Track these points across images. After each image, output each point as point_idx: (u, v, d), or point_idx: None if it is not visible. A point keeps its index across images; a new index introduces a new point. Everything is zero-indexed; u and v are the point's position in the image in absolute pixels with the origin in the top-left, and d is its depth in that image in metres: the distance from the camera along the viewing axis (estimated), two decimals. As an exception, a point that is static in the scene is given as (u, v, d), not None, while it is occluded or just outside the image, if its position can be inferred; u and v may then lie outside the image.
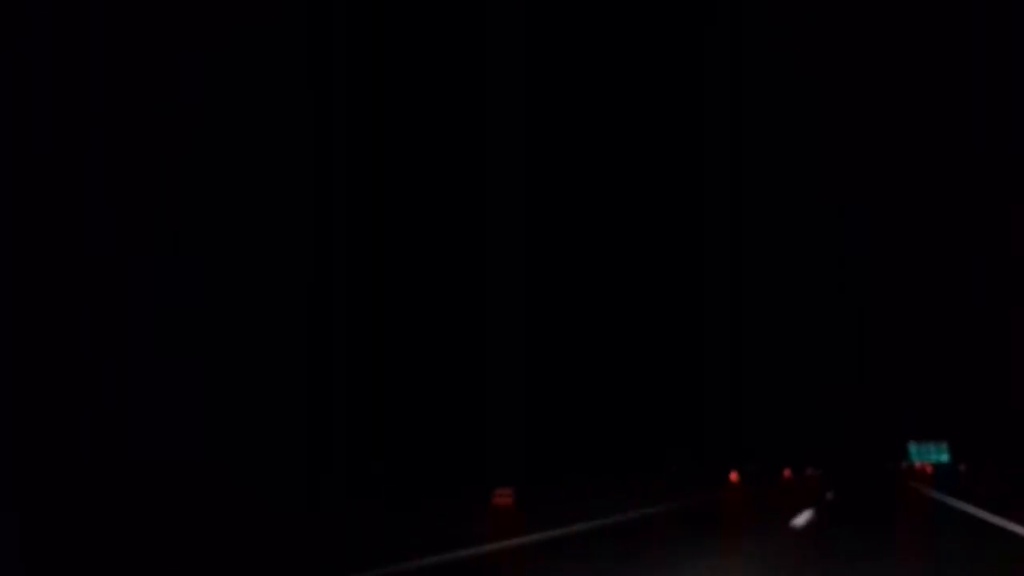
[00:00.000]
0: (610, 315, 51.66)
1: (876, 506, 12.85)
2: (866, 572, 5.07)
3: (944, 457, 77.41)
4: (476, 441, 41.90)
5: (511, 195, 47.59)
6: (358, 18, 45.86)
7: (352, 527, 9.38)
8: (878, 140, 60.63)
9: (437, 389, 42.78)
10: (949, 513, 11.05)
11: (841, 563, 5.48)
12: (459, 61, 48.60)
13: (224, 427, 35.15)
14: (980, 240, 54.05)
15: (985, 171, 52.49)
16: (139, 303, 36.30)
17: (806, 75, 56.45)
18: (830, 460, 52.05)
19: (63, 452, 29.67)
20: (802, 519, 10.48)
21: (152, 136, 37.55)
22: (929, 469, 53.36)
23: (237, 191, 41.06)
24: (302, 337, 41.64)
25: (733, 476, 27.56)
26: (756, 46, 55.47)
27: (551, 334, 47.58)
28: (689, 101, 56.69)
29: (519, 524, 10.07)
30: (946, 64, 55.14)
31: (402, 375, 42.76)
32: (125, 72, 36.69)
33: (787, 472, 40.72)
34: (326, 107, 45.03)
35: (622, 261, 53.53)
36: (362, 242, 44.54)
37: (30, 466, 25.11)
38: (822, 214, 60.19)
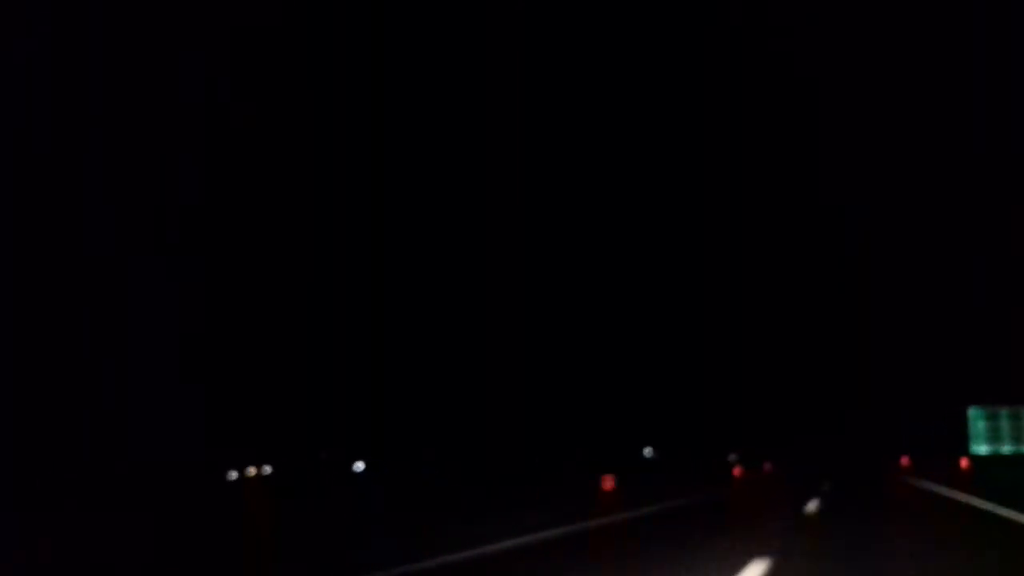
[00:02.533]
0: (608, 314, 51.77)
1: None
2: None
3: None
4: (476, 429, 42.01)
5: (511, 195, 47.66)
6: (358, 18, 45.91)
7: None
8: (878, 140, 60.77)
9: (431, 382, 42.85)
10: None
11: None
12: (459, 61, 48.66)
13: (224, 427, 35.18)
14: (980, 240, 54.08)
15: (985, 171, 52.58)
16: (139, 303, 36.32)
17: (806, 75, 56.50)
18: (811, 457, 50.16)
19: (63, 452, 29.69)
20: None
21: (152, 136, 37.57)
22: None
23: (237, 191, 41.09)
24: (303, 336, 41.67)
25: (736, 471, 25.94)
26: (756, 46, 55.54)
27: (553, 335, 47.73)
28: (689, 101, 56.79)
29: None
30: (946, 64, 55.22)
31: (403, 371, 42.85)
32: (125, 72, 36.72)
33: (767, 466, 36.12)
34: (326, 107, 45.07)
35: (621, 262, 53.61)
36: (362, 241, 44.57)
37: (30, 466, 25.13)
38: (822, 214, 60.24)
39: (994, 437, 36.85)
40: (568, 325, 49.28)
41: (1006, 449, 36.29)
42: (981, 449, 36.48)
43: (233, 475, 28.28)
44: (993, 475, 22.13)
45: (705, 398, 55.28)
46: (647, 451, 49.89)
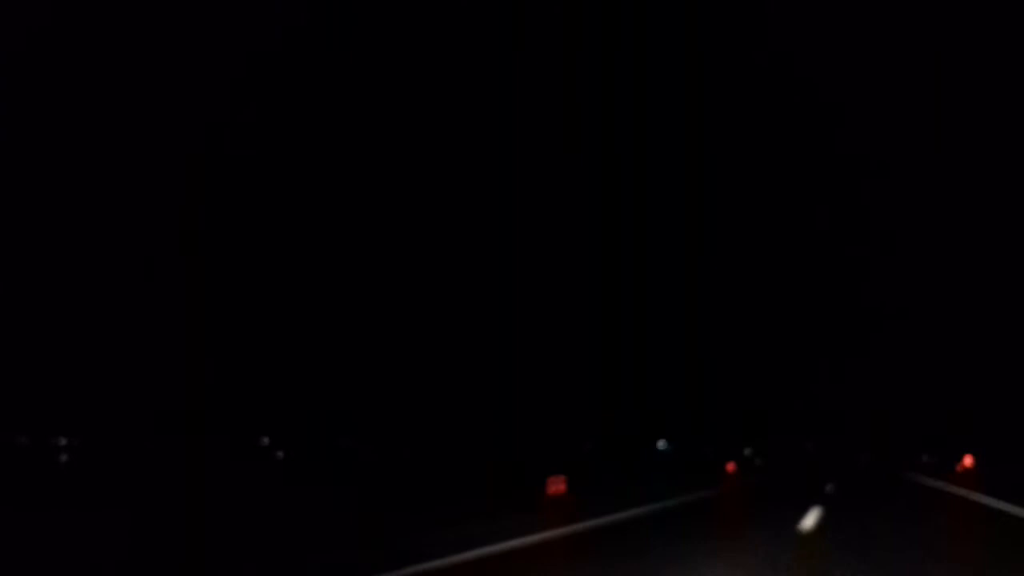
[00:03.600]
0: (607, 315, 51.79)
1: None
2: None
3: None
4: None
5: (510, 193, 47.72)
6: (360, 20, 45.94)
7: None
8: (878, 140, 60.89)
9: (430, 384, 42.85)
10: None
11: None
12: (459, 61, 48.68)
13: (223, 425, 35.23)
14: (980, 240, 54.11)
15: (986, 170, 52.64)
16: (139, 303, 36.37)
17: (806, 75, 56.61)
18: (813, 457, 48.89)
19: (64, 451, 29.75)
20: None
21: (153, 137, 37.63)
22: None
23: (237, 192, 41.14)
24: (303, 337, 41.72)
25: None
26: (756, 46, 55.62)
27: (553, 336, 47.71)
28: (689, 101, 56.89)
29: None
30: (946, 64, 55.34)
31: (403, 370, 42.83)
32: (125, 72, 36.78)
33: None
34: (326, 107, 45.12)
35: (620, 261, 53.67)
36: (361, 240, 44.60)
37: (30, 465, 25.18)
38: (822, 213, 60.32)
39: None
40: (567, 326, 49.32)
41: None
42: None
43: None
44: None
45: (704, 396, 55.32)
46: (661, 443, 50.04)
